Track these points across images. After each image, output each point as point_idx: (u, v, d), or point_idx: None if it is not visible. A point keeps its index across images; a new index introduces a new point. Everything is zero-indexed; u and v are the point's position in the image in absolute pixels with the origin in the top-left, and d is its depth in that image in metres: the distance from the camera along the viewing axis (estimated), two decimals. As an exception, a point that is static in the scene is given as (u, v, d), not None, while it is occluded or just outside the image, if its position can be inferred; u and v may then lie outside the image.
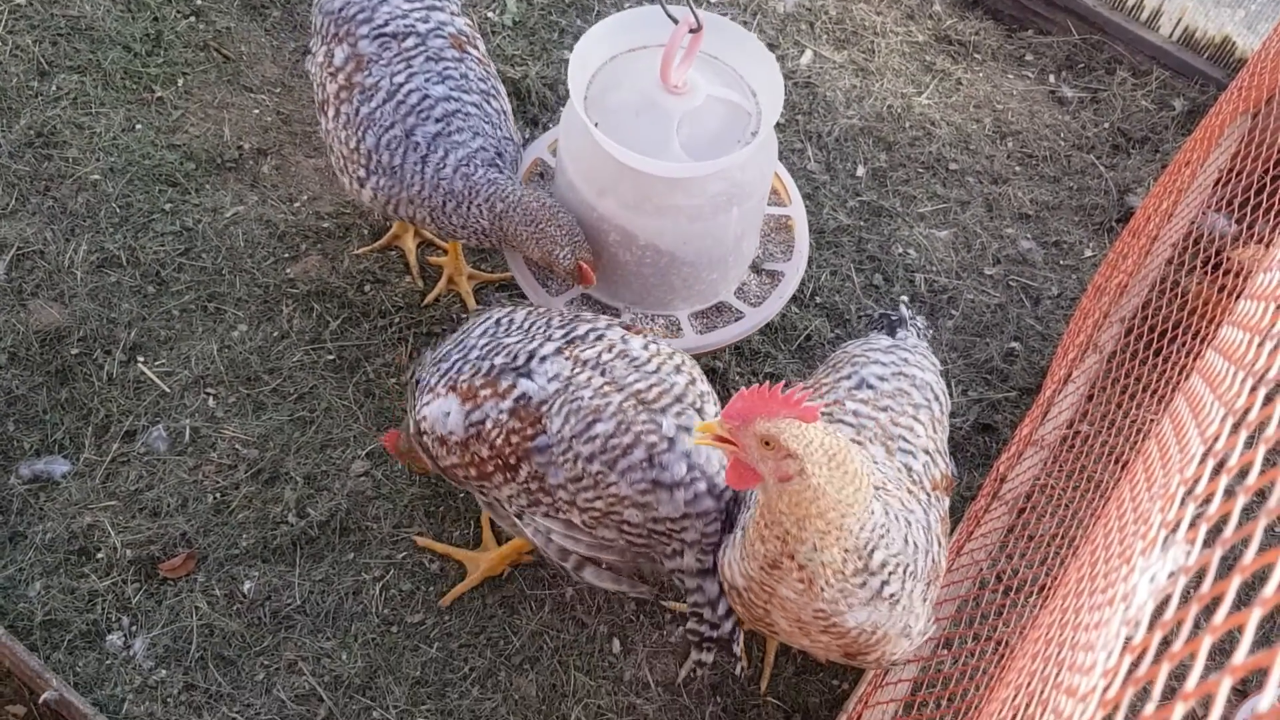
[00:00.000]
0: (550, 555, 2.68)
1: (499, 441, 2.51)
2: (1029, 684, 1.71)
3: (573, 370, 2.48)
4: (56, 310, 3.55)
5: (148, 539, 3.21)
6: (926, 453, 2.63)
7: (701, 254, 3.22)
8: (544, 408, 2.47)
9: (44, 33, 4.19)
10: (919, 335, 3.07)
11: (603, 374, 2.48)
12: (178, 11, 4.35)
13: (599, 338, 2.58)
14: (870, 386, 2.76)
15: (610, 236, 3.18)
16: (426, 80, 3.19)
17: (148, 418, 3.41)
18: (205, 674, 3.03)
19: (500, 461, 2.54)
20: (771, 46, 4.65)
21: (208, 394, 3.48)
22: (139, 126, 4.03)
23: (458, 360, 2.63)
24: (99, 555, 3.17)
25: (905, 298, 3.16)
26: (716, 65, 3.20)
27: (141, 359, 3.52)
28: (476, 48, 3.40)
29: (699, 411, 2.50)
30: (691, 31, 2.94)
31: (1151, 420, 3.17)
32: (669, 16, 2.98)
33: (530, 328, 2.66)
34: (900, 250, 4.13)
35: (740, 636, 2.60)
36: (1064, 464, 3.41)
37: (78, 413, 3.39)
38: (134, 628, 3.08)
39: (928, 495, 2.53)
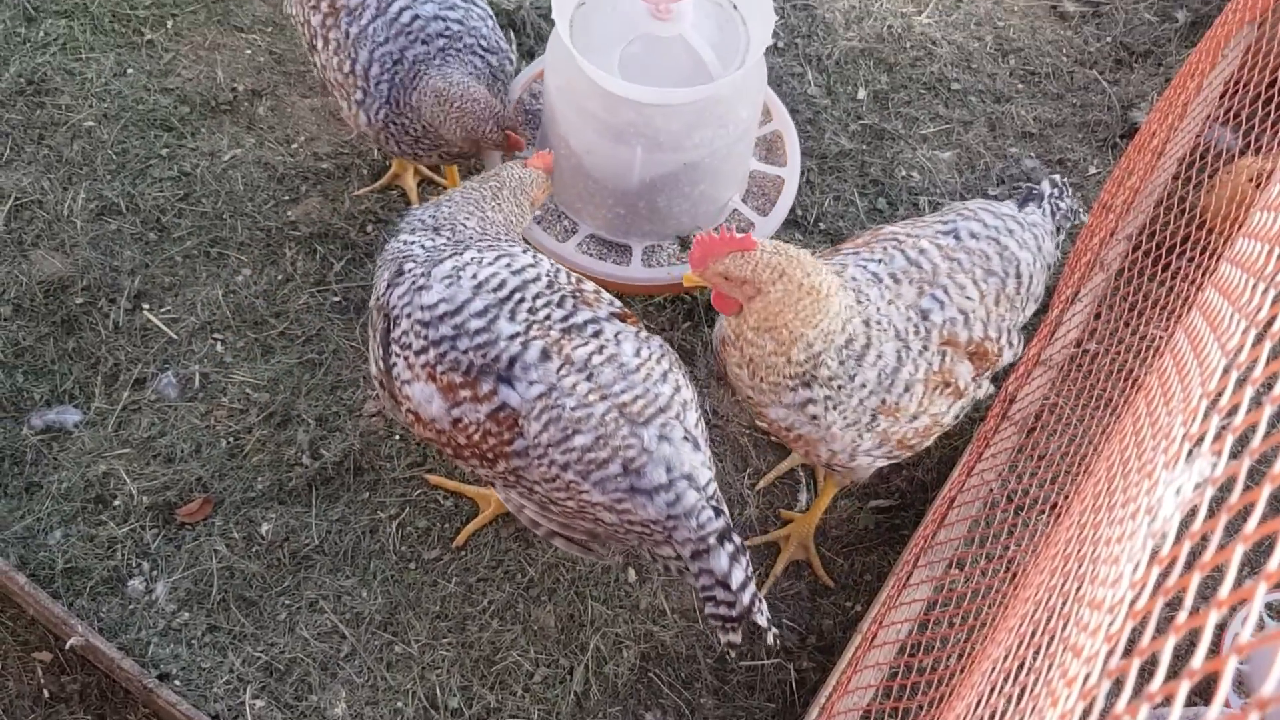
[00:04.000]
0: (521, 520, 2.71)
1: (476, 438, 2.47)
2: (1048, 599, 1.73)
3: (559, 373, 2.39)
4: (58, 260, 3.54)
5: (163, 485, 3.23)
6: (964, 313, 2.65)
7: (605, 175, 3.28)
8: (523, 411, 2.41)
9: (28, -23, 4.13)
10: (1054, 215, 3.01)
11: (589, 378, 2.39)
12: (163, -49, 4.27)
13: (596, 333, 2.48)
14: (957, 237, 2.77)
15: (554, 112, 3.35)
16: None
17: (156, 365, 3.41)
18: (228, 615, 3.07)
19: (477, 453, 2.51)
20: (768, -31, 4.57)
21: (215, 339, 3.48)
22: (130, 71, 3.98)
23: (447, 340, 2.45)
24: (115, 503, 3.20)
25: (1057, 176, 3.06)
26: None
27: (147, 306, 3.51)
28: None
29: (680, 420, 2.45)
30: None
31: (1161, 336, 3.17)
32: None
33: (534, 305, 2.49)
34: (904, 173, 4.10)
35: (762, 604, 2.45)
36: (1073, 383, 3.42)
37: (86, 362, 3.40)
38: (155, 573, 3.11)
39: (925, 345, 2.59)
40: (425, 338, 2.47)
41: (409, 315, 2.50)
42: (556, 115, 3.27)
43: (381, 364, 2.60)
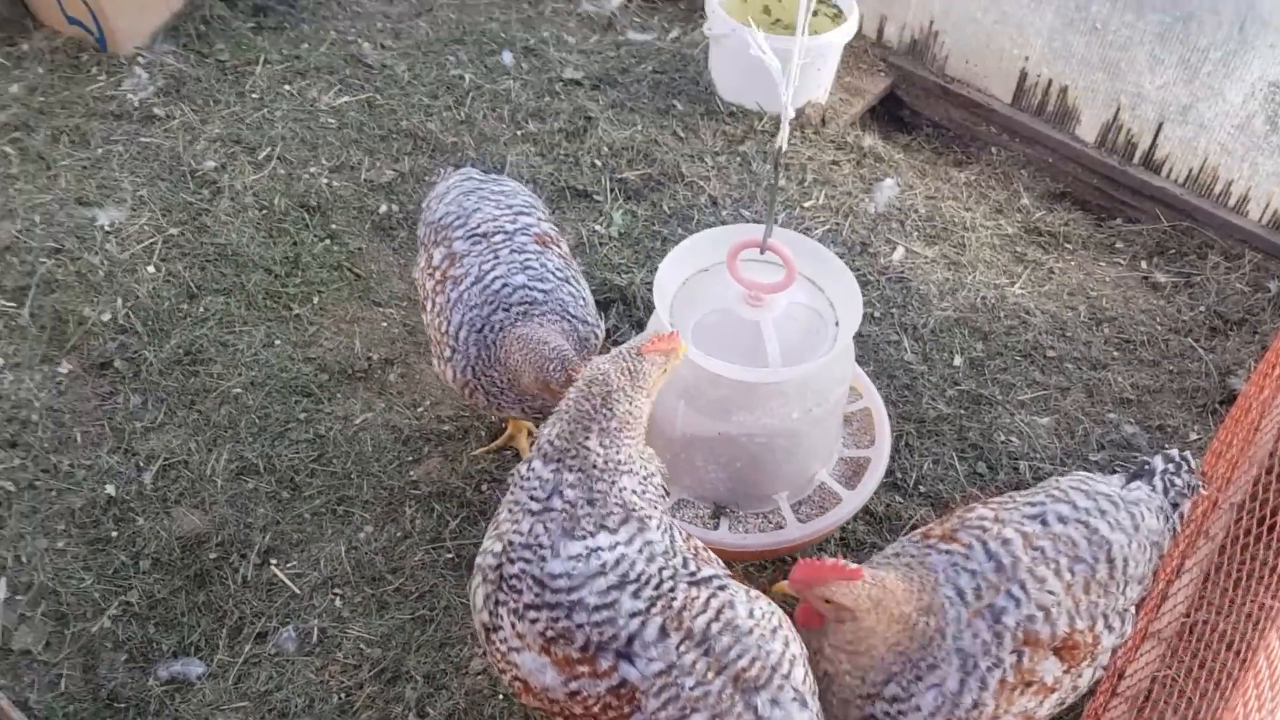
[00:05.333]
0: None
1: (596, 710, 2.49)
2: None
3: (678, 650, 2.43)
4: (197, 517, 3.80)
5: (276, 738, 3.33)
6: (1043, 609, 2.66)
7: (658, 416, 3.34)
8: (641, 686, 2.44)
9: (194, 259, 4.62)
10: (1169, 491, 3.02)
11: (706, 653, 2.44)
12: (314, 235, 4.76)
13: (722, 587, 2.54)
14: (1044, 523, 2.79)
15: None
16: (509, 270, 3.47)
17: (279, 619, 3.58)
18: None
19: None
20: (864, 245, 4.85)
21: (335, 594, 3.65)
22: (278, 342, 4.37)
23: (563, 609, 2.48)
24: (231, 755, 3.30)
25: (1174, 450, 3.06)
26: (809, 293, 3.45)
27: (274, 561, 3.72)
28: (559, 246, 3.71)
29: (788, 679, 2.50)
30: (761, 252, 3.26)
31: (1273, 605, 3.10)
32: (762, 248, 3.23)
33: (660, 579, 2.52)
34: (1002, 438, 4.18)
35: None
36: (1184, 655, 3.34)
37: (214, 615, 3.58)
38: (262, 828, 3.17)
39: (996, 660, 2.61)
40: (540, 599, 2.49)
41: (525, 572, 2.52)
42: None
43: (487, 620, 2.63)
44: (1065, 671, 2.70)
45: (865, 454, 3.67)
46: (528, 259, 3.53)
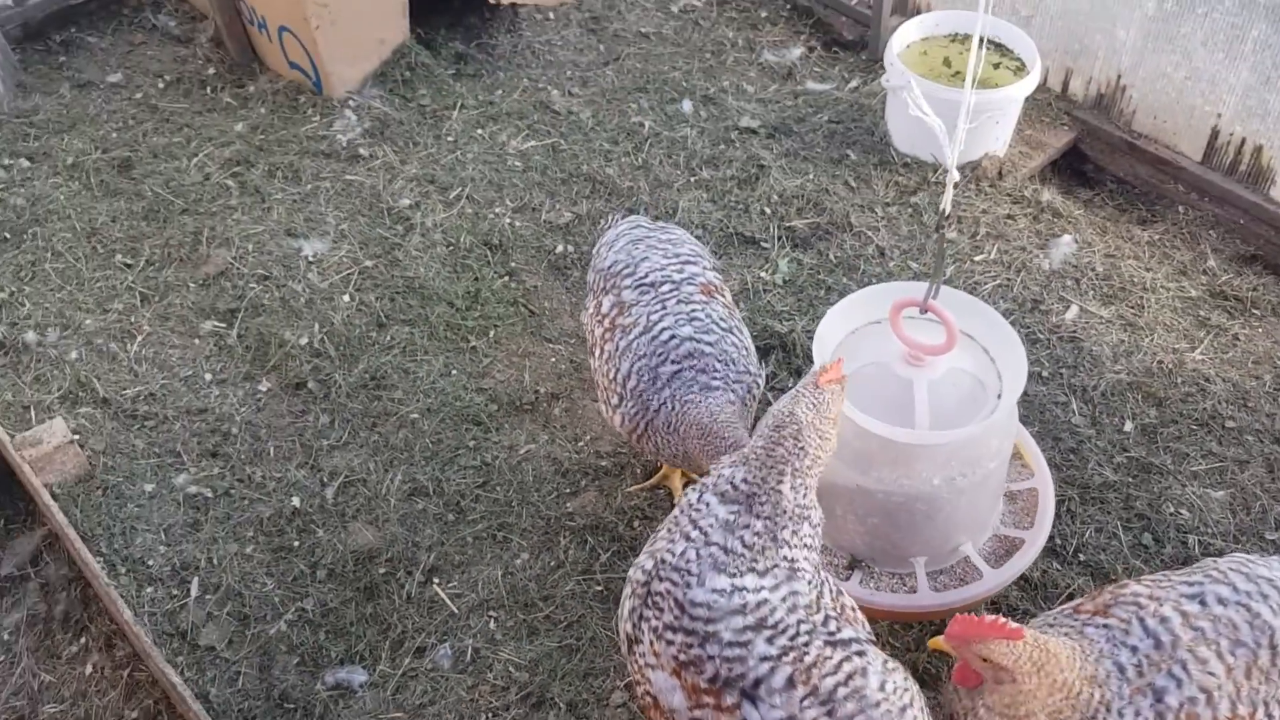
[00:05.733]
0: None
1: None
2: None
3: (802, 703, 2.44)
4: (371, 532, 4.07)
5: (427, 749, 3.53)
6: (1205, 691, 2.58)
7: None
8: None
9: (385, 291, 4.96)
10: None
11: (829, 714, 2.45)
12: (495, 272, 5.03)
13: (860, 652, 2.56)
14: (1203, 604, 2.73)
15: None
16: (676, 320, 3.60)
17: (437, 636, 3.79)
18: None
19: None
20: (1036, 302, 4.77)
21: (490, 617, 3.84)
22: (454, 372, 4.63)
23: (697, 637, 2.55)
24: (385, 761, 3.52)
25: None
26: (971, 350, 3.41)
27: (437, 580, 3.95)
28: (723, 295, 3.82)
29: None
30: (921, 312, 3.25)
31: None
32: (922, 308, 3.23)
33: (797, 631, 2.55)
34: (1172, 509, 4.03)
35: None
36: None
37: (379, 627, 3.83)
38: (408, 833, 3.36)
39: None
40: (678, 622, 2.56)
41: (669, 593, 2.60)
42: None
43: (631, 632, 2.73)
44: None
45: (1021, 535, 3.58)
46: (694, 309, 3.65)
